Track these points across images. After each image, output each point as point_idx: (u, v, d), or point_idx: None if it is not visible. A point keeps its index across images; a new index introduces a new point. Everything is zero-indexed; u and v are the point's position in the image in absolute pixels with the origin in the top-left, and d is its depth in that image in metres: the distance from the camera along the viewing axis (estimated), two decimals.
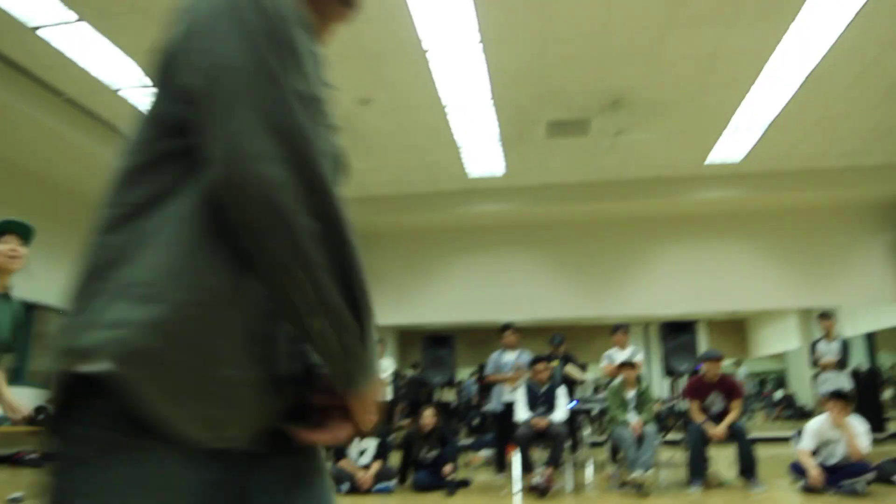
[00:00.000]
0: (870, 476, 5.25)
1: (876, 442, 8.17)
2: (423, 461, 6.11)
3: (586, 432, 7.83)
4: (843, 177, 9.92)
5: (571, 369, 7.41)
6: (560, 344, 8.24)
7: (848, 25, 6.19)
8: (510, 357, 7.15)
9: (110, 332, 0.75)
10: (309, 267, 0.76)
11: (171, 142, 0.83)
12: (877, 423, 9.26)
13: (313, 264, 0.77)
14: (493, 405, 7.18)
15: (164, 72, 0.85)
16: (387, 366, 8.48)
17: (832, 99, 7.68)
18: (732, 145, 8.93)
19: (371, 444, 6.11)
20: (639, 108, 7.71)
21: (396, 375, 12.41)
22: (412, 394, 11.31)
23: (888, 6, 5.91)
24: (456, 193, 10.48)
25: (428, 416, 6.23)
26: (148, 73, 1.33)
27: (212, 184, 0.77)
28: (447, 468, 5.91)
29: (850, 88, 7.46)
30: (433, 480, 5.93)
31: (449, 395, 12.55)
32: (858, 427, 5.46)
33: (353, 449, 6.10)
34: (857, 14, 6.00)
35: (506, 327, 7.26)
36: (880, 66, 6.98)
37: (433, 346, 8.09)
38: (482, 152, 8.98)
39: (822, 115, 8.08)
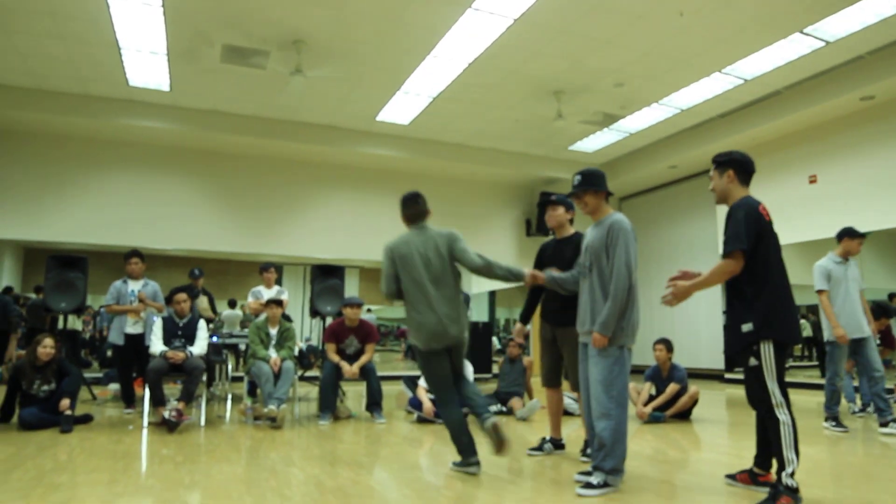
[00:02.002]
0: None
1: (483, 381, 9.65)
2: (36, 396, 5.42)
3: (230, 366, 7.78)
4: (489, 157, 11.35)
5: (204, 305, 7.25)
6: (199, 277, 8.14)
7: (508, 28, 7.04)
8: (135, 286, 6.69)
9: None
10: None
11: None
12: (486, 366, 10.97)
13: None
14: (113, 337, 6.64)
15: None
16: None
17: (488, 87, 8.67)
18: (402, 108, 9.51)
19: None
20: (319, 53, 7.71)
21: (17, 300, 10.74)
22: (33, 321, 9.88)
23: (542, 20, 6.86)
24: (111, 101, 9.29)
25: (47, 346, 5.50)
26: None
27: None
28: (64, 402, 5.34)
29: (504, 82, 8.50)
30: (45, 417, 5.31)
31: (78, 324, 11.32)
32: (466, 367, 6.36)
33: None
34: (517, 19, 6.84)
35: (133, 253, 6.77)
36: (528, 69, 8.09)
37: (61, 267, 7.13)
38: (147, 62, 8.08)
39: (479, 99, 9.08)
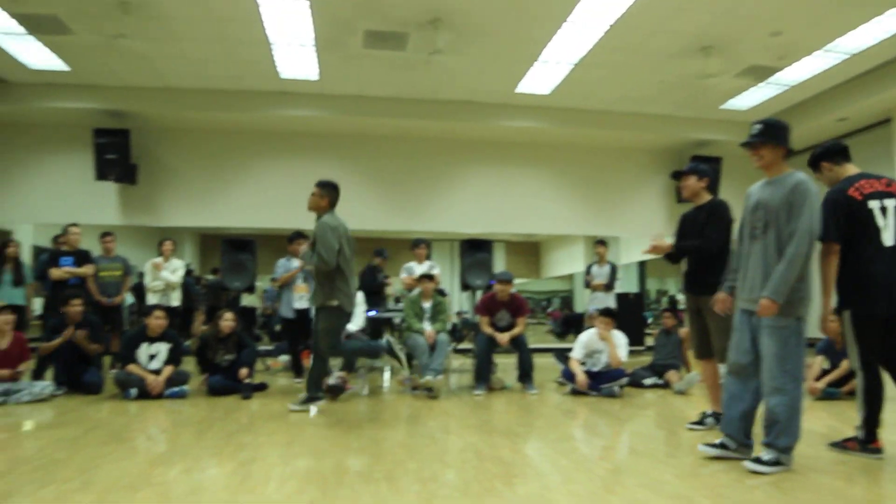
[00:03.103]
0: (624, 381, 6.09)
1: (635, 353, 9.44)
2: (219, 365, 6.00)
3: (385, 339, 8.14)
4: (634, 122, 10.89)
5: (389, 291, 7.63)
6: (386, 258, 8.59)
7: None
8: (297, 264, 7.14)
9: None
10: None
11: None
12: (638, 338, 10.68)
13: None
14: (283, 311, 7.16)
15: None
16: (177, 266, 8.06)
17: (631, 49, 8.30)
18: (541, 78, 9.37)
19: (163, 349, 5.87)
20: (456, 30, 7.76)
21: (198, 280, 11.89)
22: (212, 299, 10.91)
23: None
24: (265, 94, 9.94)
25: (227, 320, 6.08)
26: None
27: None
28: (243, 371, 5.87)
29: (647, 42, 8.10)
30: (229, 384, 5.87)
31: (249, 301, 12.31)
32: (619, 339, 6.27)
33: (143, 353, 5.82)
34: None
35: (297, 235, 7.21)
36: (673, 26, 7.65)
37: (233, 250, 7.80)
38: (296, 54, 8.54)
39: (622, 62, 8.72)
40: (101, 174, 9.74)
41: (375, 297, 8.13)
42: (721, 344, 3.92)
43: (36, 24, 7.57)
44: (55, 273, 7.18)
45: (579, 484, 3.01)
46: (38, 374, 6.17)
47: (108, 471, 3.22)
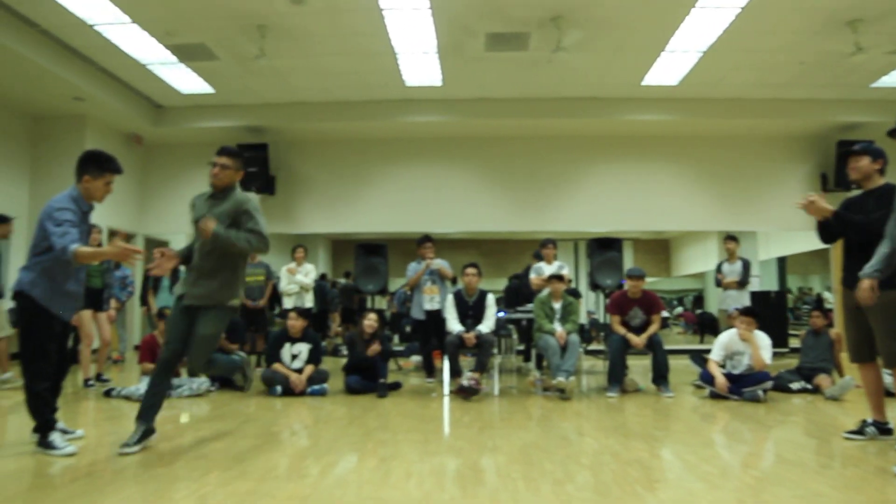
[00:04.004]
0: (769, 384, 5.73)
1: (778, 355, 8.86)
2: (362, 364, 6.22)
3: (514, 339, 8.16)
4: (771, 108, 10.24)
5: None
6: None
7: None
8: (432, 268, 7.29)
9: None
10: None
11: None
12: (781, 339, 10.01)
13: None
14: (415, 312, 7.34)
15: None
16: (308, 269, 8.51)
17: (766, 31, 7.81)
18: (669, 69, 9.02)
19: (304, 349, 6.20)
20: (579, 25, 7.63)
21: (333, 284, 12.46)
22: (345, 301, 11.42)
23: None
24: (391, 102, 10.28)
25: (371, 320, 6.33)
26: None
27: None
28: (375, 346, 6.16)
29: (784, 22, 7.59)
30: (366, 383, 6.11)
31: (381, 304, 12.75)
32: (762, 341, 5.90)
33: (286, 353, 6.18)
34: None
35: (425, 239, 7.36)
36: (813, 1, 7.11)
37: (366, 254, 8.11)
38: (420, 62, 8.76)
39: (756, 45, 8.22)
40: (245, 186, 10.46)
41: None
42: (890, 347, 3.60)
43: (187, 53, 8.27)
44: None
45: (726, 491, 2.88)
46: (193, 372, 6.71)
47: (262, 461, 3.46)
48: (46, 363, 3.68)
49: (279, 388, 5.95)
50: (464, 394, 5.80)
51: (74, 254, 3.42)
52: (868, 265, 3.44)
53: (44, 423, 3.68)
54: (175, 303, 3.94)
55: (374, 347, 6.20)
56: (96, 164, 3.83)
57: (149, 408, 3.78)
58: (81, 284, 3.92)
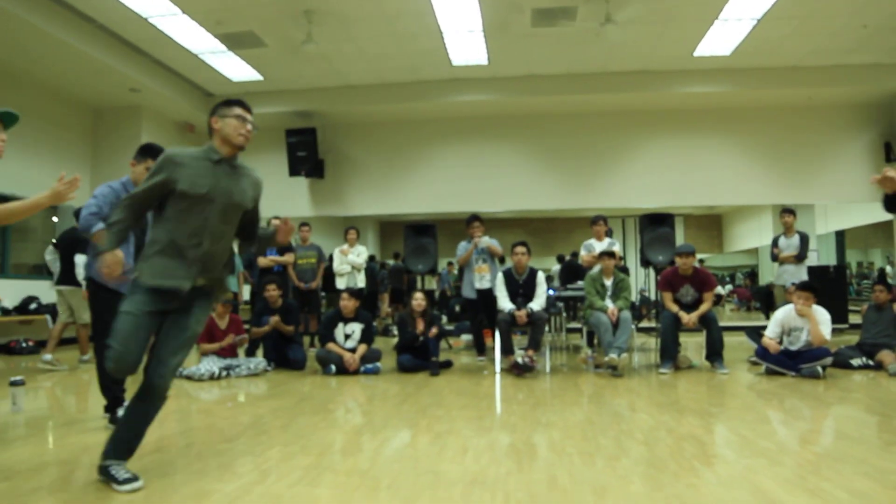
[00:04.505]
0: (828, 361, 5.59)
1: (838, 332, 8.62)
2: (416, 342, 6.31)
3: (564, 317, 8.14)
4: (831, 75, 9.86)
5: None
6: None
7: None
8: (480, 247, 7.30)
9: None
10: None
11: None
12: (841, 315, 9.72)
13: None
14: (466, 291, 7.39)
15: None
16: (360, 251, 8.62)
17: None
18: (722, 38, 8.77)
19: (357, 328, 6.32)
20: None
21: (382, 266, 12.62)
22: (394, 282, 11.55)
23: None
24: (438, 83, 10.28)
25: (419, 299, 6.43)
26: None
27: None
28: (433, 330, 6.22)
29: None
30: (418, 362, 6.20)
31: (431, 284, 12.86)
32: (821, 316, 5.74)
33: (339, 333, 6.31)
34: None
35: (473, 218, 7.36)
36: None
37: (415, 235, 8.17)
38: (466, 41, 8.72)
39: (814, 9, 7.92)
40: (294, 170, 10.65)
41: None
42: None
43: (236, 41, 8.42)
44: (262, 262, 7.97)
45: (786, 468, 2.84)
46: (250, 352, 6.91)
47: (320, 437, 3.56)
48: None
49: (333, 368, 6.08)
50: (518, 371, 5.83)
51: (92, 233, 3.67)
52: None
53: (113, 400, 3.87)
54: (141, 300, 2.67)
55: (433, 331, 6.27)
56: (140, 152, 3.99)
57: (124, 441, 2.73)
58: (132, 258, 3.99)
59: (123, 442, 2.72)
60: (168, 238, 2.77)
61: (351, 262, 8.51)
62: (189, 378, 5.86)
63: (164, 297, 2.72)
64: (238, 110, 2.89)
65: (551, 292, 7.56)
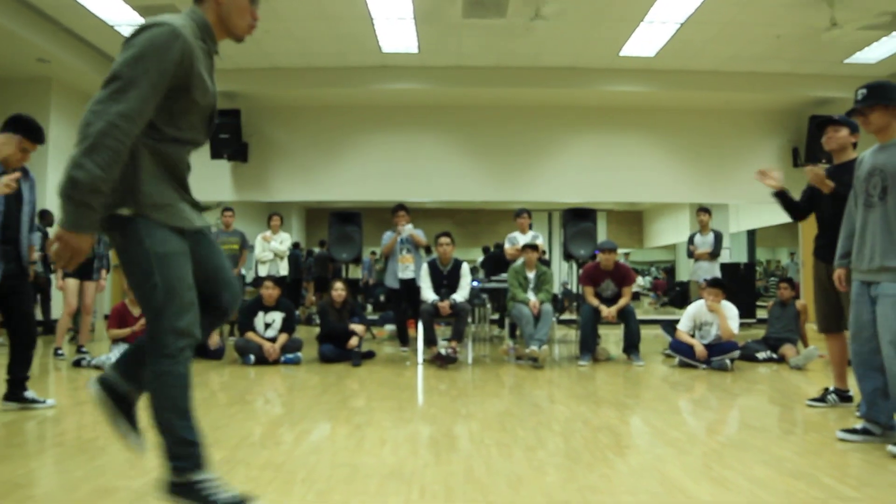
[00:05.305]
0: (736, 354, 5.87)
1: (747, 326, 9.07)
2: (335, 331, 6.22)
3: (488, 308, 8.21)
4: (747, 81, 10.29)
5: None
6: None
7: None
8: (403, 236, 7.29)
9: None
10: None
11: None
12: (749, 310, 10.23)
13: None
14: (389, 281, 7.35)
15: None
16: (283, 238, 8.46)
17: (743, 4, 7.82)
18: (647, 40, 9.01)
19: (277, 317, 6.18)
20: None
21: (309, 254, 12.39)
22: (319, 270, 11.37)
23: None
24: (368, 69, 10.12)
25: (339, 289, 6.33)
26: None
27: None
28: (353, 341, 6.10)
29: None
30: (339, 352, 6.12)
31: (357, 272, 12.73)
32: (730, 311, 6.02)
33: (259, 321, 6.15)
34: None
35: (398, 208, 7.33)
36: None
37: (340, 223, 8.06)
38: (396, 28, 8.62)
39: (733, 18, 8.24)
40: (216, 153, 10.28)
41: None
42: None
43: (155, 14, 8.02)
44: None
45: (693, 457, 2.95)
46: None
47: (234, 430, 3.45)
48: None
49: (252, 357, 5.93)
50: (441, 362, 5.84)
51: None
52: (837, 254, 3.53)
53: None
54: (179, 239, 1.98)
55: (359, 328, 6.19)
56: (7, 124, 3.69)
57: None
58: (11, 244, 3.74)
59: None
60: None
61: (274, 249, 8.32)
62: (98, 368, 5.59)
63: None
64: None
65: (476, 283, 7.61)
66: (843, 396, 4.11)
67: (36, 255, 4.11)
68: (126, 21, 8.18)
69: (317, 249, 13.32)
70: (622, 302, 6.32)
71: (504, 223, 8.31)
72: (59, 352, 6.36)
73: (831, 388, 4.16)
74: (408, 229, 7.21)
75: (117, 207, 1.89)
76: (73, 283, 6.40)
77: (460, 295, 6.31)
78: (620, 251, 8.06)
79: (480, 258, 12.31)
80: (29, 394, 3.90)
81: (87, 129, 1.73)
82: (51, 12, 7.96)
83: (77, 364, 5.79)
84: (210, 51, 2.08)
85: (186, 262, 1.98)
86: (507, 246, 7.56)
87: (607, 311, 6.23)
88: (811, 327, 5.57)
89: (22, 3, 7.62)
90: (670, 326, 6.70)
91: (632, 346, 6.27)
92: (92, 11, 7.90)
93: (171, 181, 2.00)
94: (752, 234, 16.97)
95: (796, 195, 4.32)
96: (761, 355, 6.32)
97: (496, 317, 8.78)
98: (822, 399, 4.15)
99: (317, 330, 6.83)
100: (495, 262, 8.42)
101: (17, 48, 8.16)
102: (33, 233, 4.00)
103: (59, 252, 1.76)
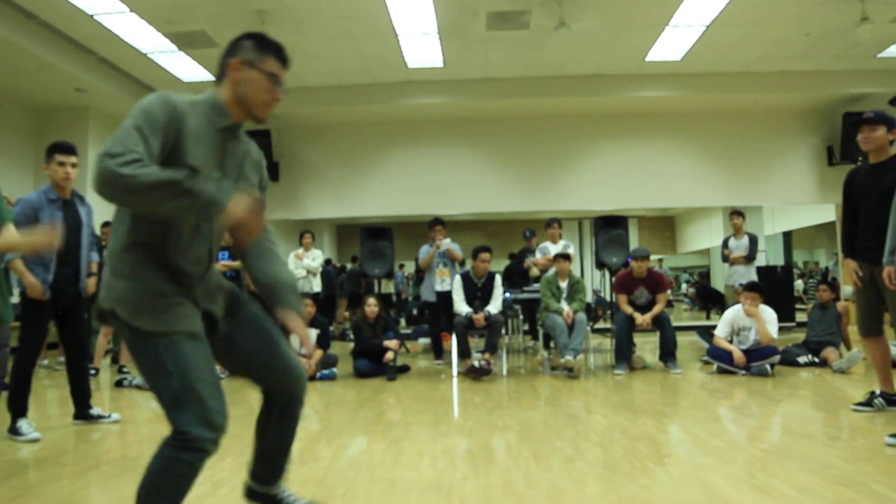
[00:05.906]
0: (776, 359, 5.75)
1: (785, 330, 8.88)
2: (370, 349, 6.25)
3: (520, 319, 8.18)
4: (777, 81, 10.14)
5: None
6: (533, 237, 8.50)
7: None
8: (441, 250, 7.32)
9: None
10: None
11: None
12: (787, 314, 10.02)
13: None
14: (425, 294, 7.38)
15: None
16: (315, 255, 8.55)
17: (771, 2, 7.73)
18: (673, 44, 8.95)
19: (312, 334, 6.23)
20: (580, 2, 7.57)
21: (341, 269, 12.51)
22: (352, 286, 11.46)
23: None
24: (394, 85, 10.23)
25: (372, 305, 6.37)
26: None
27: None
28: (388, 355, 6.12)
29: None
30: (374, 367, 6.15)
31: (389, 287, 12.80)
32: (768, 315, 5.91)
33: (295, 338, 6.21)
34: None
35: (435, 222, 7.36)
36: None
37: (371, 238, 8.12)
38: (421, 43, 8.71)
39: (761, 18, 8.14)
40: None
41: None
42: None
43: (187, 41, 8.24)
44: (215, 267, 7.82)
45: (736, 465, 2.90)
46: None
47: None
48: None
49: None
50: (475, 374, 5.84)
51: None
52: (886, 250, 3.41)
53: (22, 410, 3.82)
54: (189, 339, 1.84)
55: (393, 343, 6.24)
56: (48, 151, 3.91)
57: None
58: (48, 272, 3.85)
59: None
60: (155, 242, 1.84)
61: (306, 266, 8.41)
62: (139, 388, 5.70)
63: None
64: (274, 65, 1.96)
65: (508, 294, 7.60)
66: (890, 400, 3.99)
67: (94, 266, 4.31)
68: (159, 48, 8.40)
69: (349, 265, 13.44)
70: (656, 309, 6.25)
71: (536, 233, 8.31)
72: (93, 371, 6.49)
73: (877, 392, 4.05)
74: (446, 243, 7.25)
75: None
76: None
77: (494, 306, 6.31)
78: (653, 258, 7.98)
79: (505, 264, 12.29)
80: (94, 411, 4.17)
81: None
82: (88, 44, 8.22)
83: (119, 384, 5.92)
84: (219, 126, 1.93)
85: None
86: (538, 256, 7.55)
87: (641, 318, 6.17)
88: (853, 329, 5.44)
89: (61, 36, 7.87)
90: (707, 333, 6.60)
91: (668, 353, 6.19)
92: (126, 41, 8.13)
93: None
94: (787, 236, 16.66)
95: (835, 196, 4.23)
96: (802, 359, 6.19)
97: (528, 327, 8.75)
98: (868, 403, 4.04)
99: (350, 345, 6.88)
100: (510, 276, 8.37)
101: (57, 79, 8.43)
102: (93, 251, 4.25)
103: (243, 227, 1.73)
